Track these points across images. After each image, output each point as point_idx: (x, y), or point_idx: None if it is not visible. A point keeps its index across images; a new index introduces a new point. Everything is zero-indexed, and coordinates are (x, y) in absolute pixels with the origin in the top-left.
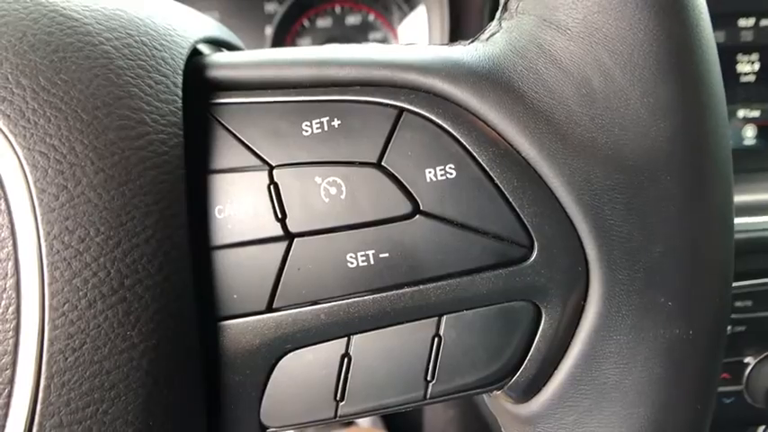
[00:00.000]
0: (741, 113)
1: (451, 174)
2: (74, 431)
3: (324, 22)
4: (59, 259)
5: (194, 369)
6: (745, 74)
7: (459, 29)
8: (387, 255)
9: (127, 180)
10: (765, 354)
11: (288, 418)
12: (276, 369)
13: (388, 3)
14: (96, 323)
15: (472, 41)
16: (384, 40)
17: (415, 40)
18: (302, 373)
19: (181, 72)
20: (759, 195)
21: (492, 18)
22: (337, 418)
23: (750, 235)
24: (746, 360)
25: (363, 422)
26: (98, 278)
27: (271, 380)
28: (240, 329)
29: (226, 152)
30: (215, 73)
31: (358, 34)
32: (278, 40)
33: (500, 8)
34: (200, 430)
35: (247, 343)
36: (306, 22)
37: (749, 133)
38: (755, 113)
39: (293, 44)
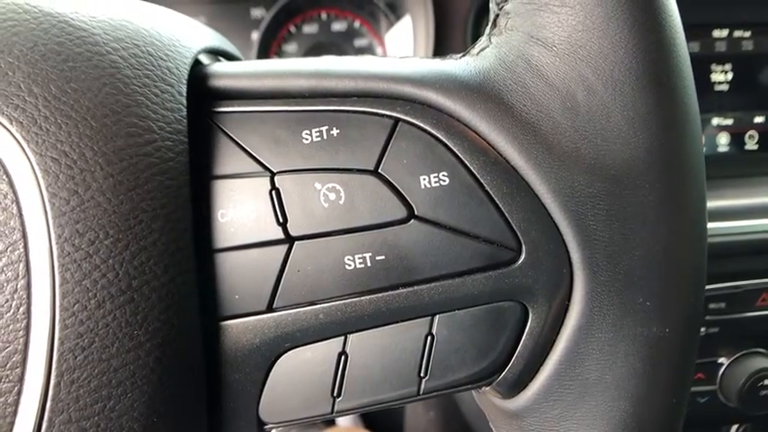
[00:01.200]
0: (715, 121)
1: (444, 181)
2: (82, 427)
3: (310, 29)
4: (70, 261)
5: (197, 367)
6: (719, 83)
7: (444, 39)
8: (383, 257)
9: (135, 185)
10: (738, 354)
11: (286, 413)
12: (275, 367)
13: (375, 10)
14: (105, 323)
15: (463, 55)
16: (369, 47)
17: (401, 50)
18: (300, 371)
19: (185, 81)
20: (732, 201)
21: (475, 29)
22: (334, 414)
23: (724, 239)
24: (720, 360)
25: (344, 422)
26: (107, 279)
27: (270, 377)
28: (241, 329)
29: (228, 159)
30: (217, 82)
31: (344, 41)
32: (264, 46)
33: (489, 24)
34: (201, 426)
35: (248, 342)
36: (292, 28)
37: (722, 140)
38: (729, 121)
39: (279, 50)
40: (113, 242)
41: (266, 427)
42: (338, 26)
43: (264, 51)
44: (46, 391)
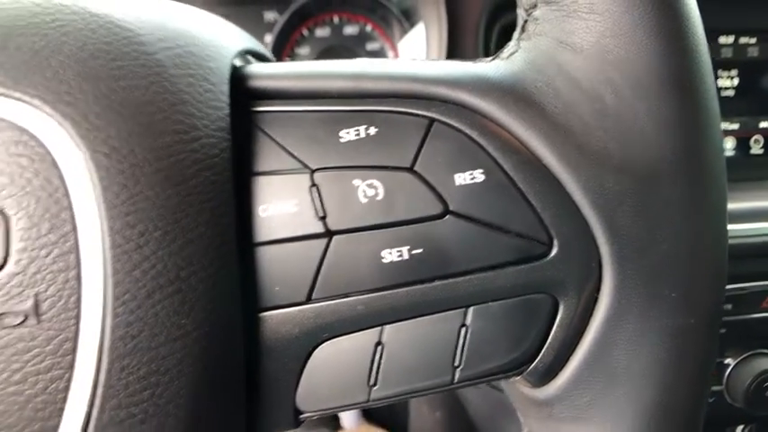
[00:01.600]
0: (721, 126)
1: (479, 178)
2: (131, 413)
3: (322, 32)
4: (121, 252)
5: (238, 356)
6: (725, 89)
7: (456, 45)
8: (419, 251)
9: (182, 180)
10: (745, 355)
11: (323, 402)
12: (312, 357)
13: (386, 14)
14: (154, 312)
15: (493, 59)
16: (381, 50)
17: (414, 55)
18: (337, 361)
19: (227, 81)
20: (738, 204)
21: (486, 39)
22: (370, 402)
23: (730, 242)
24: (727, 361)
25: (348, 424)
26: (156, 270)
27: (307, 367)
28: (280, 320)
29: (268, 156)
30: (256, 83)
31: (356, 44)
32: (277, 49)
33: (518, 30)
34: (240, 414)
35: (287, 332)
36: (305, 32)
37: (728, 145)
38: (734, 126)
39: (292, 53)
40: (162, 234)
41: (302, 416)
42: (350, 30)
43: (277, 54)
44: (97, 377)
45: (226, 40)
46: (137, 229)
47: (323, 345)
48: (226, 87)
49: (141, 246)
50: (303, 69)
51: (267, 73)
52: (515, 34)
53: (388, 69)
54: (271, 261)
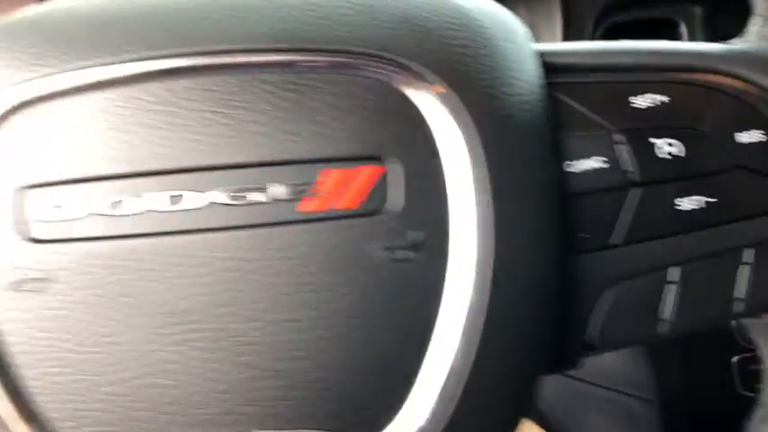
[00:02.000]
0: None
1: (757, 137)
2: (498, 337)
3: None
4: (486, 198)
5: (555, 295)
6: None
7: None
8: (708, 201)
9: (520, 133)
10: None
11: (612, 337)
12: (605, 296)
13: None
14: (511, 248)
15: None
16: None
17: None
18: (628, 300)
19: (536, 54)
20: None
21: None
22: (656, 337)
23: None
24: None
25: None
26: (509, 212)
27: (599, 305)
28: (581, 263)
29: (567, 119)
30: (546, 59)
31: None
32: None
33: (759, 21)
34: (545, 350)
35: (585, 274)
36: None
37: None
38: None
39: None
40: (510, 183)
41: (590, 353)
42: None
43: None
44: (475, 306)
45: (515, 21)
46: (497, 175)
47: (615, 285)
48: (538, 59)
49: (499, 194)
50: (587, 48)
51: (555, 50)
52: (758, 21)
53: (665, 47)
54: (575, 210)
